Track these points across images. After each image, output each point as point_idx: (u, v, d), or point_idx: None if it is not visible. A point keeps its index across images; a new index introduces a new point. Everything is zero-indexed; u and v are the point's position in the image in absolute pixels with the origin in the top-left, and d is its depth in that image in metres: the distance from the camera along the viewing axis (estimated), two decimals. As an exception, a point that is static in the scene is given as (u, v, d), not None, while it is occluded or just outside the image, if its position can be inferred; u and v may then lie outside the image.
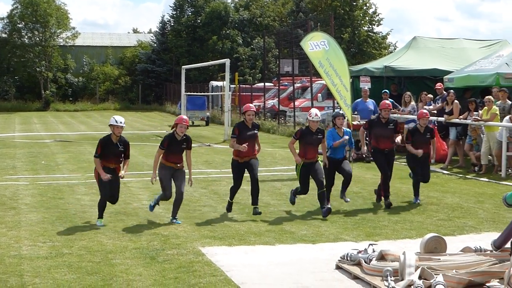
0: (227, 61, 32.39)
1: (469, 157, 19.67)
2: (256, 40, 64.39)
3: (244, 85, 47.47)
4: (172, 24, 72.51)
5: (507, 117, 17.82)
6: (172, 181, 12.16)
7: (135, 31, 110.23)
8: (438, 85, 22.41)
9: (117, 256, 9.82)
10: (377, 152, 14.49)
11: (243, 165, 13.07)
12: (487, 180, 17.53)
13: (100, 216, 11.95)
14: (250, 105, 13.64)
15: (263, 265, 9.40)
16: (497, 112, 18.25)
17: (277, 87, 38.09)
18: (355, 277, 8.68)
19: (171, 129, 12.18)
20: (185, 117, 12.56)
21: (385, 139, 14.22)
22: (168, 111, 59.56)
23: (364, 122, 17.77)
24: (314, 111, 13.40)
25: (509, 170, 18.08)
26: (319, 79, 26.90)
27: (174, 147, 12.04)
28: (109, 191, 11.87)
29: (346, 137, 13.63)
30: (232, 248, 10.38)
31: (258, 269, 9.18)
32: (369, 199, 14.85)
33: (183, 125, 11.92)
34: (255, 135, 13.14)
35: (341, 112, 13.65)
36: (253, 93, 43.05)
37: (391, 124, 14.24)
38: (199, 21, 68.05)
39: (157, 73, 69.22)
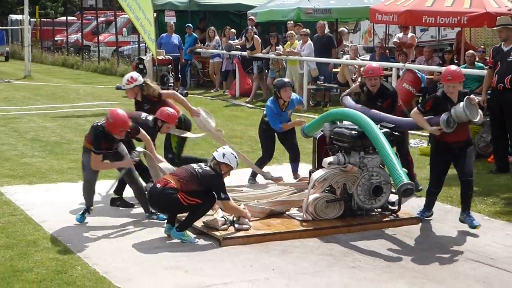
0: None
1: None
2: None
3: (45, 19, 45.72)
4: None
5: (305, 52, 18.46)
6: None
7: None
8: (250, 19, 22.28)
9: None
10: None
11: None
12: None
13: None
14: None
15: (65, 202, 9.24)
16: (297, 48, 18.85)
17: (81, 21, 37.16)
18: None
19: None
20: None
21: None
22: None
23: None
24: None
25: (311, 103, 18.74)
26: (123, 13, 26.41)
27: None
28: None
29: (303, 120, 10.39)
30: (33, 187, 10.15)
31: (59, 206, 9.03)
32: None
33: None
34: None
35: (286, 80, 10.77)
36: (55, 28, 41.45)
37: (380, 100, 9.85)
38: None
39: None
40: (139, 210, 8.76)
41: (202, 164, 7.83)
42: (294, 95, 10.57)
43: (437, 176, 8.20)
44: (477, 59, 15.38)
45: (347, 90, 10.80)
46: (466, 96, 7.92)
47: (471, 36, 23.30)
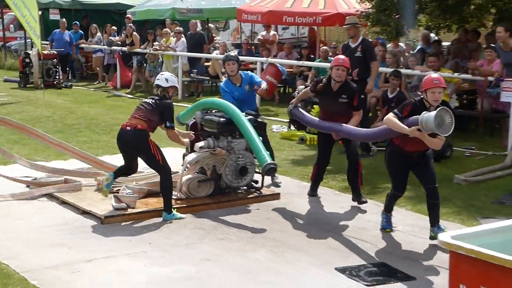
0: None
1: (151, 82, 19.94)
2: None
3: None
4: None
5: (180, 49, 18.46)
6: None
7: None
8: (127, 17, 21.95)
9: None
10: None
11: None
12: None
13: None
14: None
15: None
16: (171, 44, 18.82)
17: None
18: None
19: None
20: None
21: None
22: None
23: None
24: None
25: (186, 94, 18.71)
26: (10, 10, 25.48)
27: None
28: None
29: (263, 85, 9.34)
30: None
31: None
32: (60, 121, 14.38)
33: None
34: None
35: (232, 54, 9.87)
36: None
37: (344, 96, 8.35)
38: None
39: None
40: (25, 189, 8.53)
41: (152, 97, 7.96)
42: (249, 73, 9.76)
43: (402, 182, 7.25)
44: (330, 54, 15.77)
45: (294, 100, 8.82)
46: (443, 107, 6.71)
47: (326, 34, 23.88)
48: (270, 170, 7.90)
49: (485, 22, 14.21)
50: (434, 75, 7.02)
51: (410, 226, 7.54)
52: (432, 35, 15.86)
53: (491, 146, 11.64)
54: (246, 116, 8.39)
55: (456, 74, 12.59)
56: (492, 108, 12.45)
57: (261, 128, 8.95)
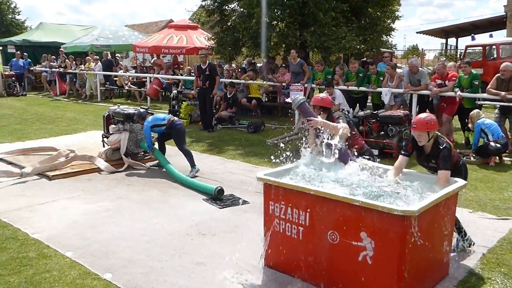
0: None
1: (80, 91, 18.89)
2: None
3: None
4: None
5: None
6: None
7: None
8: (60, 50, 20.57)
9: None
10: None
11: None
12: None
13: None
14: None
15: None
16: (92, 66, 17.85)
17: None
18: (10, 163, 7.80)
19: None
20: None
21: None
22: None
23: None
24: None
25: (103, 97, 17.82)
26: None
27: None
28: None
29: None
30: None
31: None
32: (19, 117, 13.14)
33: None
34: None
35: None
36: None
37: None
38: None
39: None
40: None
41: None
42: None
43: None
44: (192, 71, 15.49)
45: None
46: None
47: (188, 59, 23.56)
48: (220, 191, 6.10)
49: (279, 52, 14.56)
50: (417, 117, 4.19)
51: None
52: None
53: (285, 123, 12.00)
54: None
55: (264, 82, 12.87)
56: (285, 101, 12.83)
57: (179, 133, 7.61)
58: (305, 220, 3.86)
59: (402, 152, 4.32)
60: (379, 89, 10.20)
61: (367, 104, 11.35)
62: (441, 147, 4.10)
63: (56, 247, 4.58)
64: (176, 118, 7.75)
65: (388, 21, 14.04)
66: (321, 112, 4.81)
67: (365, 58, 15.06)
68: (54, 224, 5.17)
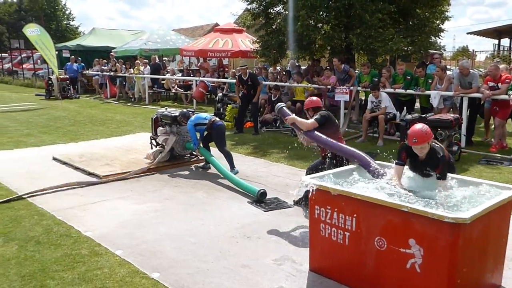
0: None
1: (129, 94, 19.46)
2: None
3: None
4: None
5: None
6: None
7: None
8: (110, 54, 21.45)
9: None
10: None
11: None
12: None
13: None
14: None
15: (6, 161, 8.36)
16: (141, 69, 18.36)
17: (10, 56, 33.46)
18: (65, 163, 8.16)
19: None
20: None
21: None
22: None
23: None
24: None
25: (151, 100, 18.26)
26: (37, 51, 24.43)
27: None
28: None
29: None
30: (-16, 154, 9.04)
31: (2, 164, 8.13)
32: (72, 119, 13.75)
33: None
34: None
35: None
36: (-5, 60, 37.18)
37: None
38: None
39: None
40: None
41: None
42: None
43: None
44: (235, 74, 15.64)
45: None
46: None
47: (233, 63, 23.74)
48: (263, 194, 6.11)
49: (324, 54, 14.44)
50: (414, 131, 3.98)
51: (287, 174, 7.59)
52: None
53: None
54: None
55: (309, 85, 12.80)
56: (330, 104, 12.73)
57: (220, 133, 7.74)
58: (351, 225, 3.80)
59: (397, 162, 4.20)
60: (427, 92, 9.93)
61: (415, 107, 11.07)
62: (439, 156, 4.00)
63: (107, 245, 4.73)
64: (217, 119, 7.85)
65: (437, 21, 13.63)
66: (314, 113, 5.31)
67: (425, 60, 14.28)
68: (105, 223, 5.35)
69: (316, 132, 5.04)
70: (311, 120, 5.10)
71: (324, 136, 4.98)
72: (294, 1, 12.37)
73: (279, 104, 5.48)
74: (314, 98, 5.53)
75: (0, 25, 44.23)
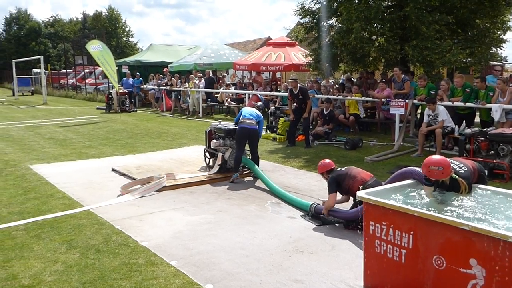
0: (41, 57, 29.15)
1: (184, 107, 19.89)
2: (60, 45, 57.74)
3: (53, 71, 43.41)
4: (4, 35, 61.88)
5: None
6: None
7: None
8: (165, 70, 22.25)
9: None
10: None
11: None
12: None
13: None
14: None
15: (69, 171, 8.79)
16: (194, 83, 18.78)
17: (74, 72, 35.30)
18: (123, 174, 8.46)
19: None
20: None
21: None
22: (6, 86, 51.98)
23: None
24: None
25: (205, 113, 18.64)
26: (98, 67, 25.68)
27: None
28: None
29: None
30: (50, 165, 9.51)
31: (66, 175, 8.54)
32: (130, 131, 14.28)
33: None
34: None
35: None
36: (60, 76, 39.48)
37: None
38: (22, 33, 59.21)
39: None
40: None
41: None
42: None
43: None
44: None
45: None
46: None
47: (285, 76, 23.83)
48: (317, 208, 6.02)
49: (378, 67, 14.23)
50: (441, 163, 3.99)
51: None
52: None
53: (384, 139, 11.68)
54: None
55: (363, 97, 12.62)
56: (384, 117, 12.50)
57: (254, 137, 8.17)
58: (408, 243, 3.69)
59: (428, 183, 4.16)
60: (488, 105, 9.52)
61: (475, 121, 10.64)
62: (456, 178, 4.10)
63: (162, 256, 4.84)
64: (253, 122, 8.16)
65: (499, 32, 13.10)
66: (328, 175, 5.82)
67: (499, 70, 13.44)
68: (161, 234, 5.48)
69: (334, 211, 5.72)
70: (328, 197, 5.70)
71: (342, 211, 5.65)
72: (348, 14, 12.30)
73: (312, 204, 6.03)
74: (327, 160, 5.98)
75: (66, 43, 46.79)
